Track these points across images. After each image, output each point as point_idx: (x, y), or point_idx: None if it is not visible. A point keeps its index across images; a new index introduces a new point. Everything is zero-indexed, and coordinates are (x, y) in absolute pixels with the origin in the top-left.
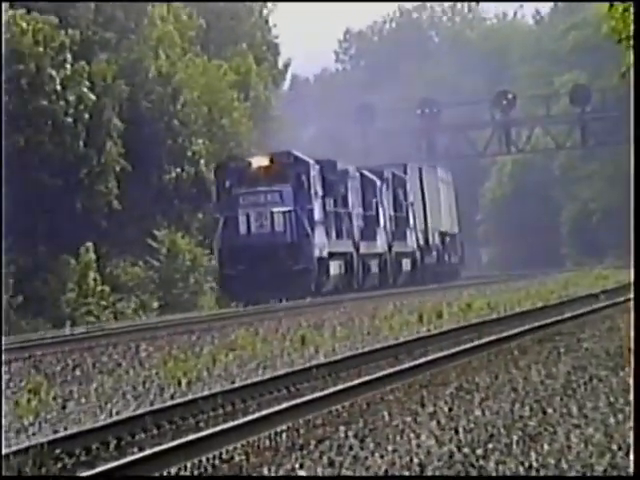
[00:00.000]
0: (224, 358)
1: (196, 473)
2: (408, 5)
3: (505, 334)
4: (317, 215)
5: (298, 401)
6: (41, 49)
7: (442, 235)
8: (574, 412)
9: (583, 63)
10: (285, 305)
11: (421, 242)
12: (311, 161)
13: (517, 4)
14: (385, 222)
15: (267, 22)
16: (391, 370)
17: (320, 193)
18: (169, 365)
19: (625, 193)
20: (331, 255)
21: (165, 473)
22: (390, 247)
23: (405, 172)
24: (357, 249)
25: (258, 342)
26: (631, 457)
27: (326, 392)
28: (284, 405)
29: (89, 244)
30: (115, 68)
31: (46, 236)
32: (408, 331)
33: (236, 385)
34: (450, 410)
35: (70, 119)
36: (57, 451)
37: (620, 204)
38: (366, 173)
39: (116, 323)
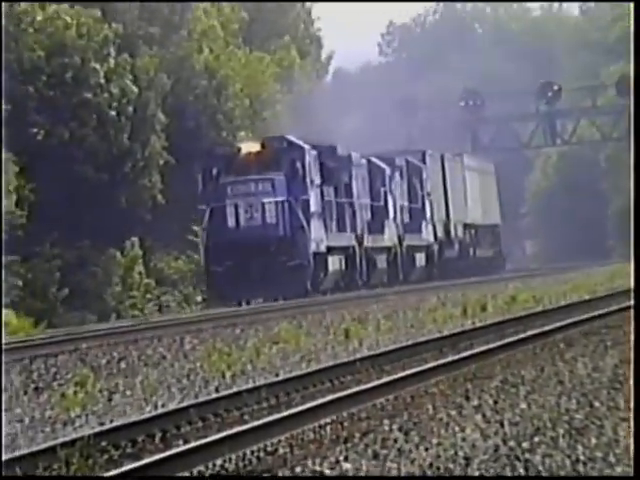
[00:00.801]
0: (268, 351)
1: (241, 465)
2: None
3: (551, 327)
4: (313, 206)
5: (342, 394)
6: (85, 42)
7: (469, 227)
8: (621, 405)
9: (628, 54)
10: (329, 298)
11: (440, 235)
12: (307, 146)
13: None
14: (395, 213)
15: (310, 14)
16: (435, 363)
17: (317, 182)
18: (213, 358)
19: None
20: (330, 250)
21: (210, 465)
22: (401, 240)
23: (423, 160)
24: (360, 243)
25: (302, 335)
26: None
27: (370, 385)
28: (328, 398)
29: (134, 238)
30: (157, 62)
31: (91, 230)
32: (452, 324)
33: (280, 378)
34: (495, 403)
35: (114, 112)
36: (103, 443)
37: None
38: (374, 160)
39: (160, 316)
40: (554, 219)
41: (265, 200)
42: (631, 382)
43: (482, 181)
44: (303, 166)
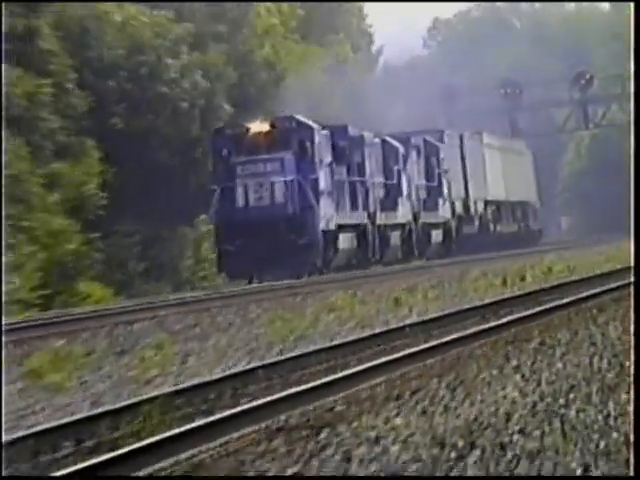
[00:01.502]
0: (325, 318)
1: (303, 421)
2: None
3: (584, 294)
4: (323, 185)
5: (394, 356)
6: (160, 41)
7: (491, 204)
8: None
9: None
10: (380, 270)
11: (459, 211)
12: (316, 126)
13: None
14: (410, 191)
15: (361, 11)
16: (478, 328)
17: (327, 161)
18: (277, 324)
19: None
20: (340, 227)
21: (273, 422)
22: (416, 217)
23: (442, 140)
24: (373, 221)
25: (356, 303)
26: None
27: (419, 348)
28: (381, 360)
29: (203, 217)
30: (225, 58)
31: (165, 210)
32: (493, 293)
33: (337, 342)
34: (533, 364)
35: (186, 104)
36: (179, 401)
37: None
38: (388, 139)
39: (228, 287)
40: (586, 197)
41: (274, 179)
42: (631, 380)
43: (507, 159)
44: (312, 145)
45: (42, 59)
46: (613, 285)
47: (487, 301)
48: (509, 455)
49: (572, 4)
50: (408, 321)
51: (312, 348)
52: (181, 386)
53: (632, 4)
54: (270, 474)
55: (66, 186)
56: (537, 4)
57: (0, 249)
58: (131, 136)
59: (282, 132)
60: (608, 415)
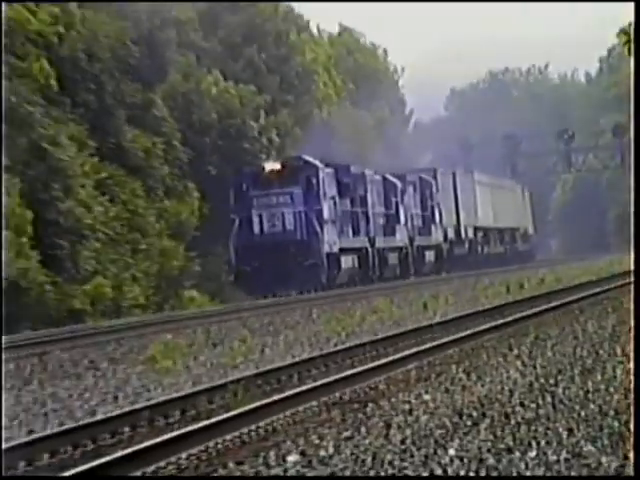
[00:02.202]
0: (369, 318)
1: (354, 397)
2: (496, 70)
3: (569, 299)
4: (326, 214)
5: (423, 347)
6: (244, 108)
7: (479, 229)
8: (618, 352)
9: (621, 108)
10: (411, 281)
11: (451, 236)
12: (320, 165)
13: (573, 68)
14: (407, 219)
15: (397, 84)
16: (487, 326)
17: (330, 194)
18: (332, 323)
19: None
20: (342, 250)
21: (330, 398)
22: (412, 241)
23: (435, 177)
24: (373, 244)
25: (393, 307)
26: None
27: (442, 341)
28: (413, 350)
29: None
30: (293, 119)
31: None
32: (499, 299)
33: (379, 337)
34: (530, 353)
35: (264, 156)
36: (259, 381)
37: None
38: (388, 176)
39: (296, 296)
40: (570, 225)
41: (285, 210)
42: (632, 378)
43: (496, 193)
44: (317, 181)
45: (156, 123)
46: (591, 292)
47: (494, 304)
48: (512, 422)
49: (556, 77)
50: (433, 321)
51: (359, 341)
52: (260, 370)
53: (632, 4)
54: (329, 439)
55: (171, 218)
56: (531, 78)
57: (0, 249)
58: (222, 180)
59: (291, 170)
60: (587, 391)
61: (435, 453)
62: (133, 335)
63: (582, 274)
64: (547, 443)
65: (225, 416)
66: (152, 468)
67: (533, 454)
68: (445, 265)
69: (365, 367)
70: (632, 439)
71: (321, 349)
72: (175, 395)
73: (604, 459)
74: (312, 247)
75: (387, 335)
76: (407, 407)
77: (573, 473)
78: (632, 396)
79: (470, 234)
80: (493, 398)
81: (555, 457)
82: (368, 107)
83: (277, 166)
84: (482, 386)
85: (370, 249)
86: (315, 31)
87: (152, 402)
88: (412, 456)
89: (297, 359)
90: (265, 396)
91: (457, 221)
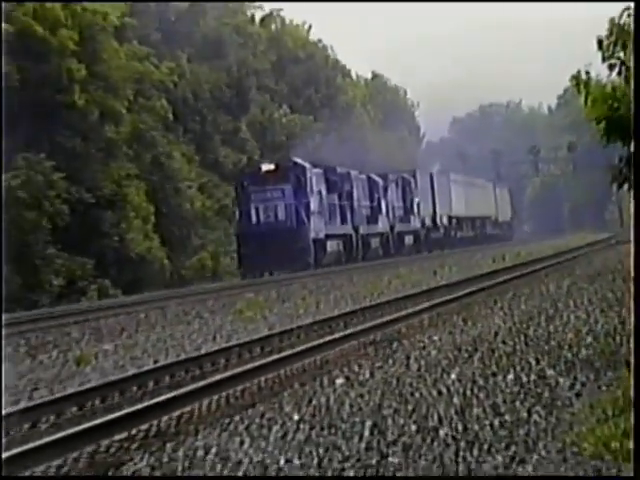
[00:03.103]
0: (394, 282)
1: (383, 338)
2: (485, 104)
3: (538, 266)
4: (313, 206)
5: (433, 302)
6: (304, 132)
7: (453, 218)
8: (571, 305)
9: (573, 132)
10: (426, 256)
11: (428, 223)
12: (308, 165)
13: (539, 102)
14: (388, 210)
15: (414, 115)
16: (480, 286)
17: (317, 189)
18: (368, 286)
19: (596, 195)
20: (328, 236)
21: (366, 339)
22: (393, 228)
23: (414, 177)
24: (357, 231)
25: (411, 274)
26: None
27: (446, 298)
28: (426, 305)
29: None
30: (339, 140)
31: None
32: (487, 267)
33: (400, 295)
34: (509, 306)
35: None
36: (315, 327)
37: (593, 202)
38: (372, 176)
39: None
40: (537, 214)
41: (277, 203)
42: (631, 380)
43: (469, 189)
44: (305, 179)
45: (242, 143)
46: (554, 261)
47: (485, 271)
48: (496, 355)
49: (527, 109)
50: (441, 283)
51: (387, 299)
52: (316, 319)
53: (632, 4)
54: (365, 367)
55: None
56: (509, 110)
57: (0, 248)
58: None
59: (283, 170)
60: (549, 332)
61: (441, 377)
62: (226, 294)
63: (547, 249)
64: (521, 369)
65: (291, 352)
66: (242, 387)
67: (511, 377)
68: (423, 246)
69: (391, 317)
70: (632, 439)
71: (360, 304)
72: (256, 337)
73: (561, 380)
74: (300, 234)
75: (407, 294)
76: (421, 345)
77: (538, 390)
78: (632, 396)
79: (445, 221)
80: (483, 338)
81: (526, 379)
82: (393, 131)
83: (272, 167)
84: (475, 329)
85: (354, 235)
86: (354, 76)
87: (239, 342)
88: (425, 379)
89: (342, 311)
90: (320, 337)
91: (434, 211)
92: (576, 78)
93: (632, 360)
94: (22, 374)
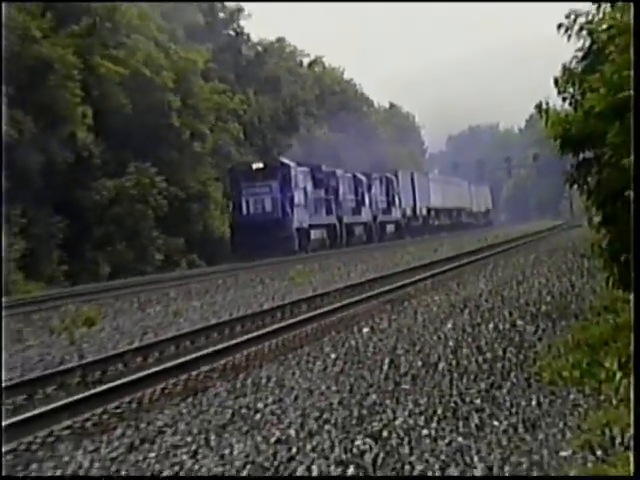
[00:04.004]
0: (405, 257)
1: (397, 298)
2: (473, 125)
3: (510, 245)
4: (296, 200)
5: (435, 271)
6: (337, 148)
7: (431, 209)
8: (535, 273)
9: (537, 146)
10: (428, 238)
11: (409, 213)
12: (292, 164)
13: (512, 124)
14: (371, 203)
15: (420, 135)
16: (470, 259)
17: (301, 185)
18: (386, 260)
19: (553, 192)
20: (312, 226)
21: (385, 298)
22: (375, 218)
23: (396, 176)
24: (340, 221)
25: (418, 251)
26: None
27: (445, 268)
28: (429, 273)
29: None
30: (366, 151)
31: None
32: (474, 246)
33: (409, 267)
34: (491, 274)
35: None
36: (347, 290)
37: (551, 197)
38: (357, 175)
39: (362, 245)
40: (511, 206)
41: (265, 197)
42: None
43: (446, 187)
44: (289, 176)
45: (292, 155)
46: (522, 242)
47: (472, 249)
48: (480, 309)
49: (503, 129)
50: (442, 257)
51: (400, 269)
52: (347, 284)
53: (632, 4)
54: (384, 319)
55: None
56: (491, 130)
57: (0, 248)
58: None
59: (271, 168)
60: (519, 293)
61: (440, 326)
62: (281, 266)
63: (517, 232)
64: (499, 320)
65: (330, 307)
66: (293, 333)
67: (491, 326)
68: (404, 233)
69: (403, 282)
70: (632, 439)
71: (380, 273)
72: (303, 296)
73: (527, 327)
74: (285, 224)
75: (415, 265)
76: (425, 303)
77: (511, 335)
78: (632, 396)
79: (424, 212)
80: (470, 298)
81: (502, 327)
82: (404, 145)
83: (261, 165)
84: (465, 291)
85: (338, 224)
86: (376, 105)
87: (292, 300)
88: (428, 328)
89: (367, 278)
90: (350, 297)
91: (414, 203)
92: (539, 107)
93: (632, 359)
94: (135, 322)
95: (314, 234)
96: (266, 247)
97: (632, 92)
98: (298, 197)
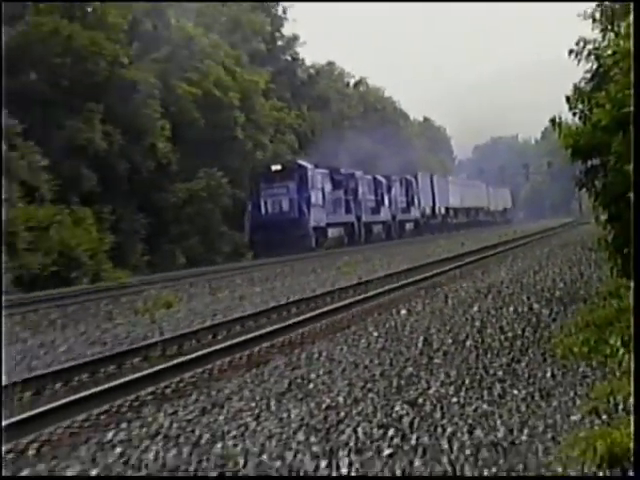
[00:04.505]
0: (437, 249)
1: (429, 285)
2: (495, 136)
3: (527, 240)
4: (313, 200)
5: (459, 263)
6: (380, 157)
7: (449, 208)
8: (549, 264)
9: (551, 155)
10: (454, 234)
11: (428, 212)
12: (310, 166)
13: (529, 135)
14: (390, 203)
15: (450, 143)
16: (492, 252)
17: (318, 186)
18: (420, 252)
19: (565, 194)
20: (329, 225)
21: (418, 286)
22: (394, 217)
23: (415, 178)
24: (359, 219)
25: (447, 245)
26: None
27: (471, 259)
28: (457, 264)
29: None
30: (403, 160)
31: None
32: (494, 240)
33: (440, 258)
34: (511, 264)
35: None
36: (387, 278)
37: (563, 198)
38: (377, 177)
39: (404, 239)
40: (528, 206)
41: (282, 198)
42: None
43: (464, 188)
44: (306, 177)
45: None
46: (538, 236)
47: (494, 243)
48: (502, 295)
49: (522, 140)
50: (466, 251)
51: (432, 260)
52: (387, 272)
53: (632, 4)
54: (419, 303)
55: None
56: (511, 140)
57: (0, 247)
58: None
59: (289, 170)
60: (535, 280)
61: (467, 309)
62: (330, 257)
63: (534, 229)
64: (518, 304)
65: (372, 293)
66: (341, 315)
67: (511, 309)
68: (422, 231)
69: (434, 272)
70: (632, 439)
71: (415, 264)
72: (350, 283)
73: (543, 310)
74: (301, 223)
75: (445, 257)
76: (455, 289)
77: (529, 317)
78: (632, 396)
79: (442, 211)
80: (494, 285)
81: (521, 310)
82: (436, 154)
83: (279, 167)
84: (489, 279)
85: (356, 223)
86: (412, 119)
87: (340, 287)
88: (457, 310)
89: (404, 268)
90: (389, 284)
91: (433, 203)
92: (553, 121)
93: (632, 359)
94: (206, 305)
95: (331, 232)
96: (283, 245)
97: (632, 108)
98: (315, 197)
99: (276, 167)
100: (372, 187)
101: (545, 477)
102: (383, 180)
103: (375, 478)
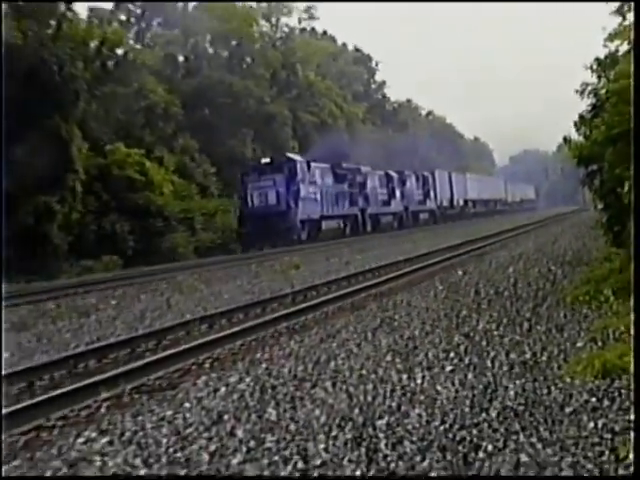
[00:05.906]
0: (480, 230)
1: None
2: (527, 149)
3: (545, 222)
4: (303, 193)
5: (473, 247)
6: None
7: (468, 200)
8: (562, 238)
9: (563, 162)
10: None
11: (445, 204)
12: (299, 159)
13: (549, 148)
14: (403, 196)
15: (492, 154)
16: (521, 231)
17: (309, 180)
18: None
19: (573, 190)
20: (323, 217)
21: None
22: (407, 208)
23: (432, 174)
24: (363, 211)
25: (487, 225)
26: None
27: (464, 250)
28: (469, 248)
29: None
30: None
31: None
32: (507, 227)
33: (482, 236)
34: (534, 238)
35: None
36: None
37: (572, 193)
38: (389, 172)
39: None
40: (548, 198)
41: (268, 191)
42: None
43: (482, 182)
44: (295, 171)
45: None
46: (553, 220)
47: (522, 224)
48: (529, 260)
49: (542, 152)
50: (464, 240)
51: (477, 237)
52: (448, 245)
53: (632, 4)
54: (469, 266)
55: None
56: (536, 153)
57: (0, 247)
58: None
59: (278, 163)
60: (552, 250)
61: (505, 270)
62: (394, 238)
63: (550, 214)
64: (540, 266)
65: (438, 259)
66: (416, 275)
67: (536, 270)
68: (438, 220)
69: (444, 257)
70: (632, 439)
71: (408, 255)
72: (421, 252)
73: (557, 270)
74: (288, 216)
75: (454, 243)
76: (496, 256)
77: (548, 275)
78: (633, 396)
79: (461, 202)
80: (523, 253)
81: (542, 270)
82: (480, 162)
83: (268, 160)
84: (520, 249)
85: (360, 214)
86: (465, 138)
87: (414, 255)
88: (498, 270)
89: (457, 243)
90: (447, 254)
91: (451, 196)
92: (565, 138)
93: (632, 359)
94: (323, 267)
95: (326, 224)
96: (271, 237)
97: (632, 108)
98: (306, 190)
99: (265, 160)
100: (383, 181)
101: (546, 477)
102: (395, 175)
103: (375, 478)
